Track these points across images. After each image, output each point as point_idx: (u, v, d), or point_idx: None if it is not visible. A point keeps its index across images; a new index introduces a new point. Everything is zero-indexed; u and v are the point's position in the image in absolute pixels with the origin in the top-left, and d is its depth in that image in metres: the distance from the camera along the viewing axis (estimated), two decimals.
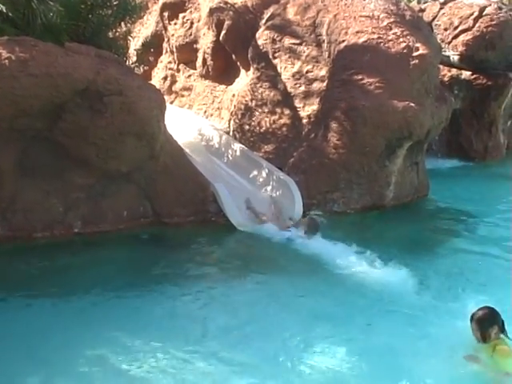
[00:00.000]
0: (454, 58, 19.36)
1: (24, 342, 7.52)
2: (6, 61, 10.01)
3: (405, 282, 9.45)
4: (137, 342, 7.64)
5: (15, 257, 10.31)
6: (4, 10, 11.52)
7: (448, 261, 10.84)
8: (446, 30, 19.56)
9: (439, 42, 17.35)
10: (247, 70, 15.71)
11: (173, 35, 18.01)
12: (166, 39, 18.64)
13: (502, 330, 6.96)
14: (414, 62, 13.55)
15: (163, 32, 18.65)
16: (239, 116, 15.24)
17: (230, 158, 14.62)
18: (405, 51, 13.61)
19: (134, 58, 16.56)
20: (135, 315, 8.47)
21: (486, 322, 6.95)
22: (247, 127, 15.07)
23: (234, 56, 16.22)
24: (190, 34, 17.49)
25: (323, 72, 14.11)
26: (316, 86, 14.15)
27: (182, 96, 18.27)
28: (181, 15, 17.78)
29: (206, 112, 17.11)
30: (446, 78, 19.29)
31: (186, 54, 17.78)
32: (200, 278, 10.01)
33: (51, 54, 10.51)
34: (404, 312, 8.59)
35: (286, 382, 6.96)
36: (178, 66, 18.42)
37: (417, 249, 11.34)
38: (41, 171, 11.08)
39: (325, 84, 14.01)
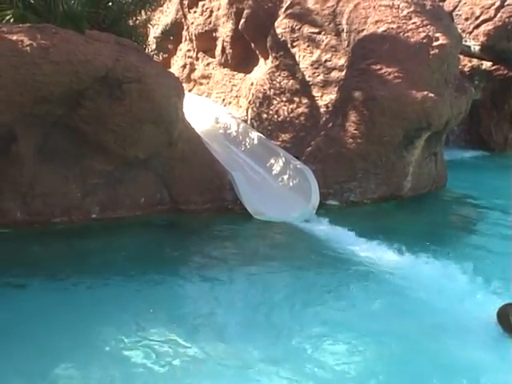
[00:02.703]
0: (475, 48, 19.21)
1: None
2: (28, 48, 10.13)
3: (422, 271, 9.54)
4: (143, 326, 7.78)
5: (34, 241, 10.45)
6: None
7: (461, 252, 10.80)
8: (466, 19, 19.38)
9: (460, 31, 17.20)
10: (266, 58, 15.74)
11: (192, 23, 18.09)
12: (185, 27, 18.74)
13: None
14: (433, 52, 13.47)
15: (183, 20, 18.74)
16: (257, 104, 15.29)
17: (248, 146, 14.68)
18: (424, 41, 13.53)
19: (154, 46, 16.69)
20: (146, 299, 8.63)
21: None
22: (265, 116, 15.11)
23: (252, 45, 16.25)
24: (210, 23, 17.57)
25: (342, 61, 14.09)
26: (334, 75, 14.14)
27: (201, 84, 18.37)
28: (200, 3, 17.88)
29: (224, 100, 17.19)
30: (466, 69, 19.16)
31: (205, 42, 17.86)
32: (213, 265, 10.06)
33: (72, 41, 10.61)
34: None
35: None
36: (197, 54, 18.51)
37: (432, 239, 11.28)
38: (60, 157, 11.22)
39: (343, 73, 13.99)
